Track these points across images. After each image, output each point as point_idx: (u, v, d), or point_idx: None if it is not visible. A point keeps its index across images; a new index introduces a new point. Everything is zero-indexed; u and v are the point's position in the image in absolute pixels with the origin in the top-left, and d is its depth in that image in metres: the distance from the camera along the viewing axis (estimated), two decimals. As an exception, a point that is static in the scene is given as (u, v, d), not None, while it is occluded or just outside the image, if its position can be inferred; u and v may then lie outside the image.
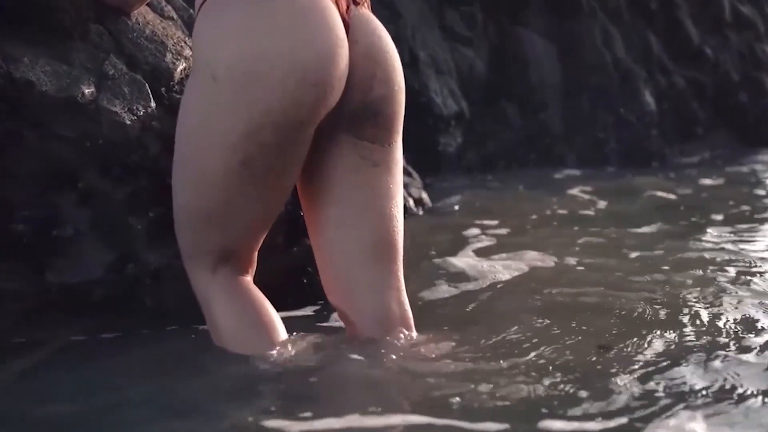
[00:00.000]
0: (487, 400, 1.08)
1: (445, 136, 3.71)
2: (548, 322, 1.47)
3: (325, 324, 1.49)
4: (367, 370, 1.20)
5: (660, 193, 3.45)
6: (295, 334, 1.31)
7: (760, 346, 1.32)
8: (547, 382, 1.15)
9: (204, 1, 1.23)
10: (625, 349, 1.31)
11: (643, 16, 5.11)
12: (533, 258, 2.02)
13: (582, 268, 1.96)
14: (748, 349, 1.30)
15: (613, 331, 1.42)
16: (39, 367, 1.24)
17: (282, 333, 1.27)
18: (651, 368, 1.22)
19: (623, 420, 1.03)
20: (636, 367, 1.22)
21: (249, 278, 1.32)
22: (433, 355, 1.26)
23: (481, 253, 2.11)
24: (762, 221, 2.73)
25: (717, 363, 1.23)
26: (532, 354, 1.28)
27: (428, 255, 2.05)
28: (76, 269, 1.34)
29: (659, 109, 4.79)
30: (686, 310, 1.55)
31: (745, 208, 3.08)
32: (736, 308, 1.56)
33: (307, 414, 1.03)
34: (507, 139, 4.20)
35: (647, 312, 1.54)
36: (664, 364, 1.24)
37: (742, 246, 2.24)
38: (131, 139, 1.36)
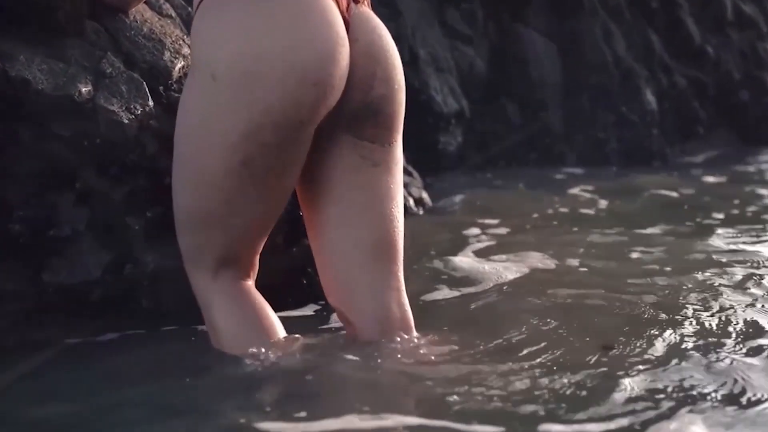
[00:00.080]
0: (487, 401, 1.08)
1: (445, 135, 3.70)
2: (550, 322, 1.46)
3: (324, 325, 1.48)
4: (367, 372, 1.19)
5: (662, 193, 3.45)
6: (294, 335, 1.30)
7: (765, 348, 1.31)
8: (547, 383, 1.14)
9: (202, 0, 1.22)
10: (627, 350, 1.31)
11: (644, 15, 5.10)
12: (535, 258, 2.01)
13: (584, 268, 1.96)
14: (752, 351, 1.30)
15: (616, 332, 1.41)
16: (38, 368, 1.24)
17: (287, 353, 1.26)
18: (653, 369, 1.21)
19: (624, 421, 1.03)
20: (638, 368, 1.21)
21: (250, 282, 1.31)
22: (433, 357, 1.26)
23: (481, 253, 2.10)
24: (767, 221, 2.72)
25: (720, 364, 1.22)
26: (533, 355, 1.27)
27: (429, 255, 2.04)
28: (74, 270, 1.33)
29: (660, 108, 4.78)
30: (690, 311, 1.54)
31: (749, 207, 3.07)
32: (741, 309, 1.55)
33: (305, 415, 1.02)
34: (507, 138, 4.19)
35: (650, 313, 1.53)
36: (667, 365, 1.23)
37: (746, 246, 2.23)
38: (129, 138, 1.35)
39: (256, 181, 1.21)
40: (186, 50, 1.49)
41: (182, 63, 1.47)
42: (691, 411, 1.06)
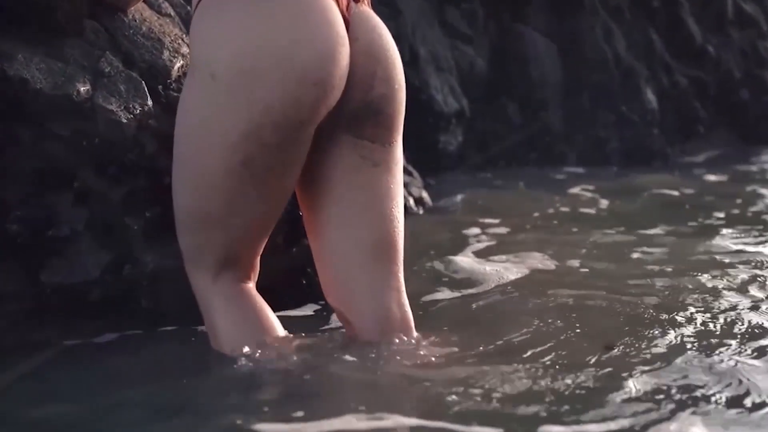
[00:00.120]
0: (487, 402, 1.07)
1: (445, 135, 3.69)
2: (550, 323, 1.46)
3: (324, 325, 1.47)
4: (366, 373, 1.19)
5: (663, 192, 3.44)
6: (293, 335, 1.30)
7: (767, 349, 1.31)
8: (548, 384, 1.14)
9: (201, -1, 1.22)
10: (629, 351, 1.30)
11: (644, 14, 5.09)
12: (535, 258, 2.01)
13: (585, 269, 1.95)
14: (754, 353, 1.29)
15: (617, 333, 1.40)
16: (38, 368, 1.24)
17: (287, 354, 1.25)
18: (654, 370, 1.21)
19: (625, 423, 1.02)
20: (639, 368, 1.21)
21: (251, 285, 1.30)
22: (433, 358, 1.25)
23: (482, 253, 2.10)
24: (768, 221, 2.72)
25: (722, 366, 1.22)
26: (534, 356, 1.27)
27: (429, 255, 2.04)
28: (72, 270, 1.33)
29: (661, 107, 4.77)
30: (692, 312, 1.54)
31: (750, 207, 3.07)
32: (744, 310, 1.55)
33: (304, 416, 1.02)
34: (508, 138, 4.18)
35: (652, 313, 1.53)
36: (668, 366, 1.23)
37: (748, 247, 2.22)
38: (128, 137, 1.34)
39: (256, 181, 1.20)
40: (185, 49, 1.48)
41: (181, 62, 1.47)
42: (693, 413, 1.05)
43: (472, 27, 4.20)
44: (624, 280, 1.80)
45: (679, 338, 1.37)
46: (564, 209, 2.96)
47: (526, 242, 2.25)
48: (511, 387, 1.13)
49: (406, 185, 2.66)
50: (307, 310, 1.55)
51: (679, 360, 1.25)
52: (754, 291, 1.71)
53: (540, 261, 1.99)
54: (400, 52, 1.32)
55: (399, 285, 1.30)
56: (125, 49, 1.42)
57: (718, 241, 2.31)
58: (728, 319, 1.49)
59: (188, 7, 1.62)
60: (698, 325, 1.46)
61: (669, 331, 1.40)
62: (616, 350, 1.30)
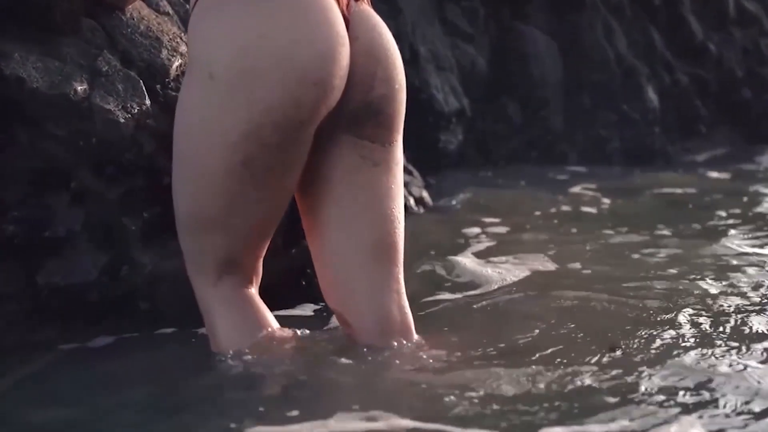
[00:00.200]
0: (487, 406, 1.07)
1: (445, 134, 3.68)
2: (553, 325, 1.45)
3: (323, 327, 1.46)
4: (366, 376, 1.18)
5: (665, 191, 3.44)
6: (293, 338, 1.29)
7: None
8: (550, 388, 1.13)
9: (199, -1, 1.21)
10: (633, 353, 1.29)
11: (645, 12, 5.08)
12: (536, 259, 2.00)
13: (588, 270, 1.94)
14: (759, 355, 1.28)
15: (620, 334, 1.39)
16: (37, 370, 1.24)
17: (287, 356, 1.25)
18: (657, 372, 1.19)
19: (626, 424, 1.01)
20: (643, 371, 1.20)
21: (253, 290, 1.30)
22: (432, 360, 1.24)
23: (483, 253, 2.09)
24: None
25: (726, 369, 1.21)
26: (536, 359, 1.26)
27: (429, 255, 2.03)
28: (69, 271, 1.32)
29: (662, 106, 4.76)
30: (697, 314, 1.53)
31: (753, 206, 3.06)
32: (749, 312, 1.53)
33: (304, 420, 1.01)
34: (508, 137, 4.17)
35: (656, 315, 1.52)
36: (671, 368, 1.22)
37: (752, 248, 2.21)
38: (125, 137, 1.34)
39: (256, 181, 1.19)
40: (183, 48, 1.47)
41: (180, 61, 1.46)
42: (698, 416, 1.04)
43: (473, 25, 4.19)
44: (626, 282, 1.79)
45: (682, 340, 1.36)
46: (565, 209, 2.95)
47: (527, 242, 2.24)
48: (512, 390, 1.12)
49: (406, 185, 2.65)
50: (307, 311, 1.54)
51: (682, 362, 1.24)
52: (759, 293, 1.69)
53: (541, 262, 1.98)
54: (400, 51, 1.32)
55: (399, 287, 1.29)
56: (123, 48, 1.41)
57: (721, 241, 2.29)
58: (733, 321, 1.47)
59: (187, 6, 1.61)
60: (702, 327, 1.45)
61: (672, 333, 1.39)
62: (620, 352, 1.28)
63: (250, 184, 1.19)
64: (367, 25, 1.26)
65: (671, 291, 1.70)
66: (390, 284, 1.28)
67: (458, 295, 1.72)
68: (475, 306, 1.63)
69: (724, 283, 1.77)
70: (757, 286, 1.74)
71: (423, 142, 3.35)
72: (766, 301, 1.63)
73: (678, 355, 1.28)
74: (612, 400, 1.09)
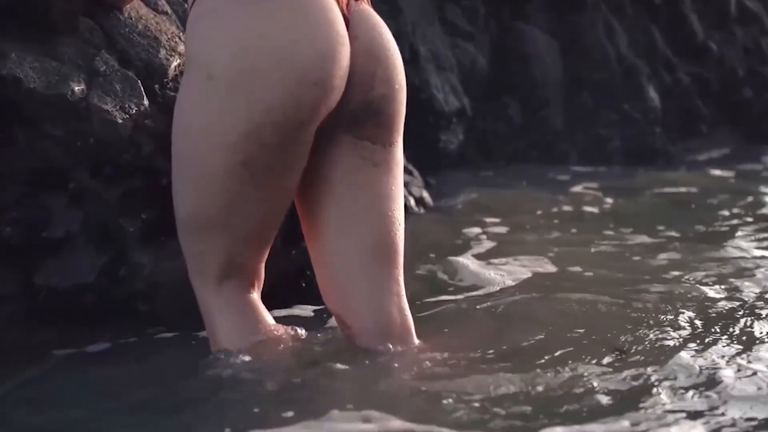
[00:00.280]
0: (487, 410, 1.06)
1: (446, 134, 3.67)
2: (554, 327, 1.44)
3: (322, 329, 1.45)
4: (365, 378, 1.18)
5: (667, 191, 3.43)
6: (292, 341, 1.28)
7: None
8: (550, 391, 1.13)
9: (197, -2, 1.20)
10: (637, 356, 1.28)
11: (646, 11, 5.07)
12: (537, 260, 1.99)
13: (589, 271, 1.94)
14: (766, 360, 1.27)
15: (625, 338, 1.38)
16: (36, 372, 1.24)
17: (287, 357, 1.25)
18: (660, 374, 1.19)
19: (629, 427, 1.01)
20: (645, 373, 1.19)
21: (255, 294, 1.29)
22: (431, 363, 1.24)
23: (484, 254, 2.08)
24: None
25: (730, 373, 1.20)
26: (537, 362, 1.25)
27: (430, 256, 2.02)
28: (67, 273, 1.31)
29: (663, 105, 4.75)
30: (700, 316, 1.52)
31: (757, 206, 3.05)
32: (755, 314, 1.53)
33: (302, 421, 1.01)
34: (509, 136, 4.17)
35: (658, 317, 1.51)
36: (674, 370, 1.21)
37: (757, 248, 2.20)
38: (123, 137, 1.33)
39: (256, 181, 1.19)
40: (182, 48, 1.46)
41: (178, 61, 1.45)
42: (705, 422, 1.04)
43: (473, 24, 4.18)
44: (628, 284, 1.78)
45: (685, 342, 1.35)
46: (567, 209, 2.94)
47: (528, 243, 2.24)
48: (513, 393, 1.11)
49: (406, 185, 2.65)
50: (306, 312, 1.54)
51: (685, 365, 1.23)
52: (764, 295, 1.68)
53: (543, 263, 1.97)
54: (401, 51, 1.31)
55: (399, 289, 1.28)
56: (121, 48, 1.40)
57: (725, 242, 2.28)
58: (737, 324, 1.47)
59: (185, 5, 1.60)
60: (706, 329, 1.44)
61: (674, 335, 1.39)
62: (624, 355, 1.28)
63: (251, 185, 1.19)
64: (367, 24, 1.25)
65: (673, 293, 1.69)
66: (390, 286, 1.27)
67: (459, 297, 1.71)
68: (475, 308, 1.62)
69: (728, 285, 1.76)
70: (762, 289, 1.73)
71: (423, 142, 3.34)
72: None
73: (681, 357, 1.27)
74: (617, 404, 1.08)
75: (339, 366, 1.20)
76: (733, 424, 1.03)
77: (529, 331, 1.41)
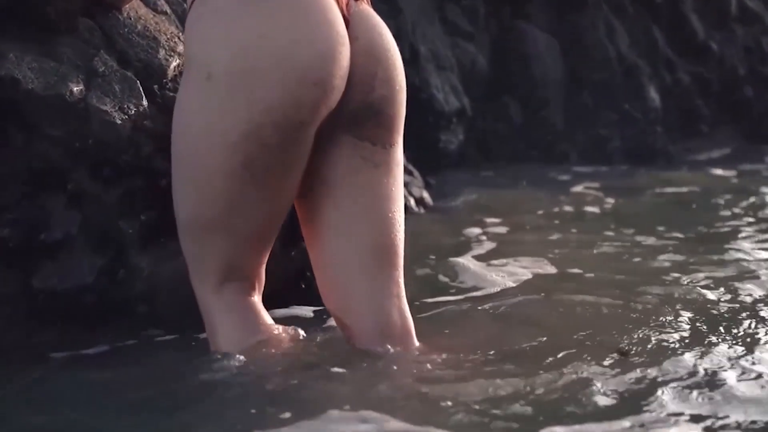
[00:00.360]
0: (488, 412, 1.05)
1: (446, 134, 3.67)
2: (555, 329, 1.43)
3: (322, 330, 1.45)
4: (364, 380, 1.17)
5: (668, 191, 3.43)
6: (292, 343, 1.28)
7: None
8: (552, 394, 1.12)
9: (195, -1, 1.20)
10: (639, 358, 1.28)
11: (647, 10, 5.07)
12: (538, 260, 1.99)
13: (590, 272, 1.93)
14: (767, 362, 1.26)
15: (626, 339, 1.38)
16: (37, 375, 1.23)
17: (287, 359, 1.24)
18: (662, 376, 1.18)
19: (626, 425, 1.00)
20: (648, 374, 1.18)
21: (256, 297, 1.28)
22: (432, 365, 1.23)
23: (484, 255, 2.08)
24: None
25: (733, 375, 1.19)
26: (538, 364, 1.24)
27: (430, 257, 2.02)
28: (66, 275, 1.30)
29: (664, 105, 4.75)
30: (701, 317, 1.51)
31: (759, 206, 3.04)
32: (759, 317, 1.52)
33: (302, 423, 1.01)
34: (509, 136, 4.16)
35: (659, 318, 1.50)
36: (676, 371, 1.20)
37: (760, 249, 2.19)
38: (122, 138, 1.32)
39: (257, 182, 1.18)
40: (181, 48, 1.46)
41: (177, 61, 1.44)
42: (710, 426, 1.03)
43: (473, 24, 4.18)
44: (629, 284, 1.77)
45: (687, 344, 1.35)
46: (567, 209, 2.94)
47: (529, 243, 2.23)
48: (514, 396, 1.10)
49: (406, 185, 2.64)
50: (306, 313, 1.53)
51: (688, 366, 1.22)
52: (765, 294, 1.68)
53: (543, 264, 1.97)
54: (401, 51, 1.31)
55: (399, 291, 1.28)
56: (120, 48, 1.40)
57: (726, 243, 2.28)
58: (740, 326, 1.46)
59: (185, 5, 1.59)
60: (709, 331, 1.43)
61: (676, 337, 1.38)
62: (627, 357, 1.27)
63: (251, 185, 1.18)
64: (367, 25, 1.25)
65: (675, 294, 1.69)
66: (390, 288, 1.26)
67: (459, 298, 1.71)
68: (476, 309, 1.61)
69: (730, 286, 1.75)
70: (765, 290, 1.72)
71: (423, 142, 3.34)
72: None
73: (684, 359, 1.26)
74: (618, 407, 1.07)
75: (338, 367, 1.19)
76: (737, 427, 1.02)
77: (529, 333, 1.41)
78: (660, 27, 5.11)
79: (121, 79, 1.35)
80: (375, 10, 1.30)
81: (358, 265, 1.25)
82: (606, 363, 1.24)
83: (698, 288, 1.73)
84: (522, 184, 3.50)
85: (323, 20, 1.16)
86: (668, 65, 5.06)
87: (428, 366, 1.22)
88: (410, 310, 1.30)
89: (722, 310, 1.56)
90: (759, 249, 2.21)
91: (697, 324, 1.47)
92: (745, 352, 1.31)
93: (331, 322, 1.45)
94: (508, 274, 1.85)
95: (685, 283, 1.79)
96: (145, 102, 1.35)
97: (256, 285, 1.28)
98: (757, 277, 1.83)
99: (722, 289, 1.72)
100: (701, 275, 1.85)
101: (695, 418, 1.04)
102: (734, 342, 1.36)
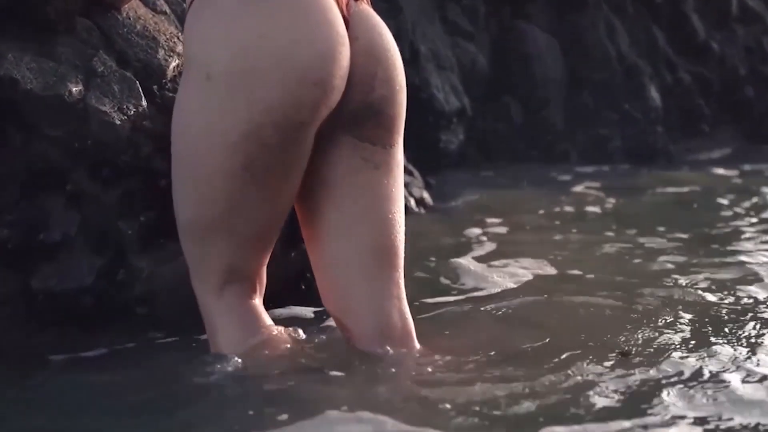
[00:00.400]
0: (488, 414, 1.05)
1: (446, 133, 3.66)
2: (556, 330, 1.43)
3: (322, 332, 1.44)
4: (364, 381, 1.17)
5: (668, 191, 3.42)
6: (292, 344, 1.27)
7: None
8: (554, 395, 1.11)
9: (195, -1, 1.19)
10: (640, 359, 1.27)
11: (647, 10, 5.07)
12: (539, 261, 1.98)
13: (591, 273, 1.93)
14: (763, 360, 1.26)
15: (627, 340, 1.37)
16: (37, 377, 1.23)
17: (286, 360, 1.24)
18: (663, 377, 1.18)
19: (628, 427, 1.00)
20: (649, 376, 1.18)
21: (257, 300, 1.28)
22: (432, 367, 1.23)
23: (485, 256, 2.07)
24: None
25: (736, 377, 1.19)
26: (539, 366, 1.24)
27: (431, 258, 2.02)
28: (65, 276, 1.30)
29: (664, 105, 4.75)
30: (702, 317, 1.51)
31: (761, 206, 3.04)
32: (762, 319, 1.51)
33: (301, 425, 1.00)
34: (509, 136, 4.16)
35: (660, 318, 1.50)
36: (677, 372, 1.20)
37: (761, 249, 2.19)
38: (121, 139, 1.32)
39: (257, 182, 1.18)
40: (181, 48, 1.45)
41: (177, 61, 1.44)
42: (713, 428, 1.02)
43: (474, 24, 4.18)
44: (630, 285, 1.77)
45: (688, 345, 1.34)
46: (568, 209, 2.93)
47: (529, 244, 2.23)
48: (515, 398, 1.10)
49: (406, 185, 2.64)
50: (306, 314, 1.53)
51: (689, 368, 1.22)
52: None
53: (544, 265, 1.97)
54: (401, 50, 1.31)
55: (400, 292, 1.28)
56: (119, 48, 1.39)
57: (729, 243, 2.28)
58: (742, 328, 1.45)
59: (184, 4, 1.59)
60: (711, 332, 1.43)
61: (677, 338, 1.38)
62: (628, 358, 1.26)
63: (251, 186, 1.18)
64: (367, 25, 1.24)
65: (677, 295, 1.68)
66: (390, 289, 1.26)
67: (459, 299, 1.71)
68: (477, 310, 1.61)
69: (732, 287, 1.75)
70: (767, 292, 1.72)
71: (423, 142, 3.33)
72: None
73: (686, 360, 1.26)
74: (620, 408, 1.07)
75: (338, 369, 1.19)
76: (739, 429, 1.02)
77: (530, 334, 1.40)
78: (660, 27, 5.11)
79: (120, 79, 1.35)
80: (375, 9, 1.30)
81: (358, 266, 1.24)
82: (607, 364, 1.23)
83: (700, 289, 1.73)
84: (522, 184, 3.50)
85: (323, 20, 1.16)
86: (669, 65, 5.06)
87: (428, 367, 1.22)
88: (410, 310, 1.30)
89: (724, 311, 1.56)
90: (761, 249, 2.20)
91: (699, 325, 1.46)
92: (747, 353, 1.30)
93: (331, 323, 1.45)
94: (508, 275, 1.85)
95: (687, 284, 1.78)
96: (144, 102, 1.35)
97: (257, 286, 1.28)
98: (760, 278, 1.82)
99: (724, 290, 1.72)
100: (703, 276, 1.84)
101: (697, 420, 1.03)
102: (736, 343, 1.36)
